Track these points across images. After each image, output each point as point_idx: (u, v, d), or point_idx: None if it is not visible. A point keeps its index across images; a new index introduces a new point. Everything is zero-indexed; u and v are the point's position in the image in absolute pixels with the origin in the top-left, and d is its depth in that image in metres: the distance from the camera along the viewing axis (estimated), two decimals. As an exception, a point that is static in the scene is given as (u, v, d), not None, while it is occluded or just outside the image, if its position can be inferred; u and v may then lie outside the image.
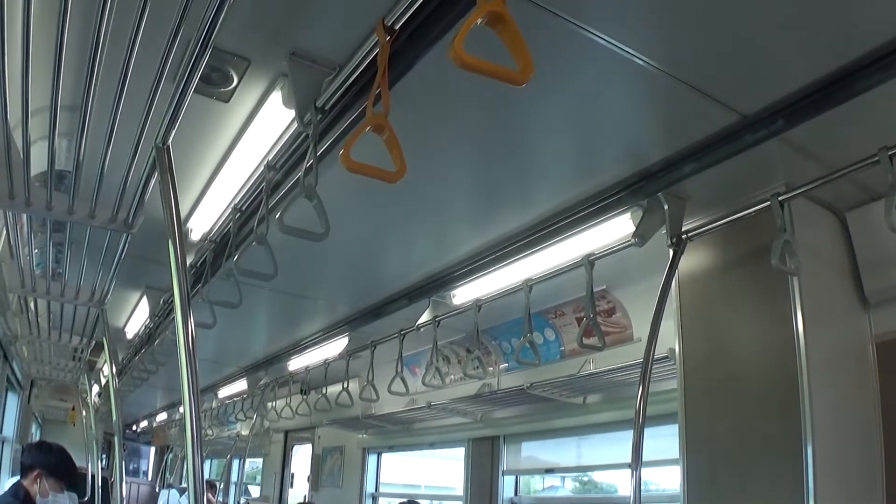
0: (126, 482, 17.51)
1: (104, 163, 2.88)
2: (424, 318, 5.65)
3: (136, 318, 7.74)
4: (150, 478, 20.80)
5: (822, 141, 3.33)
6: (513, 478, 7.35)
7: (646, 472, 5.28)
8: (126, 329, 8.34)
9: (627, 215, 3.94)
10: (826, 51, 2.73)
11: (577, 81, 3.01)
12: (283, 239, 3.29)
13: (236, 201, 4.15)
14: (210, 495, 12.69)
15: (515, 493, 7.31)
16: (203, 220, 4.64)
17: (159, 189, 2.45)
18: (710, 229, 3.78)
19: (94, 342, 6.88)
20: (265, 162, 3.62)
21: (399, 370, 5.84)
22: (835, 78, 2.81)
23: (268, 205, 3.49)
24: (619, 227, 4.04)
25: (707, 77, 2.93)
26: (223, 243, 4.48)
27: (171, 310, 5.80)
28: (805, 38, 2.68)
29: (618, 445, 5.91)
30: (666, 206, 3.81)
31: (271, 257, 3.57)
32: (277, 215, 3.09)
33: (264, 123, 3.44)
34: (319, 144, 3.03)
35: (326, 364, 7.54)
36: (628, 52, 2.76)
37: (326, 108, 2.98)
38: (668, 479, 5.79)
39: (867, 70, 2.72)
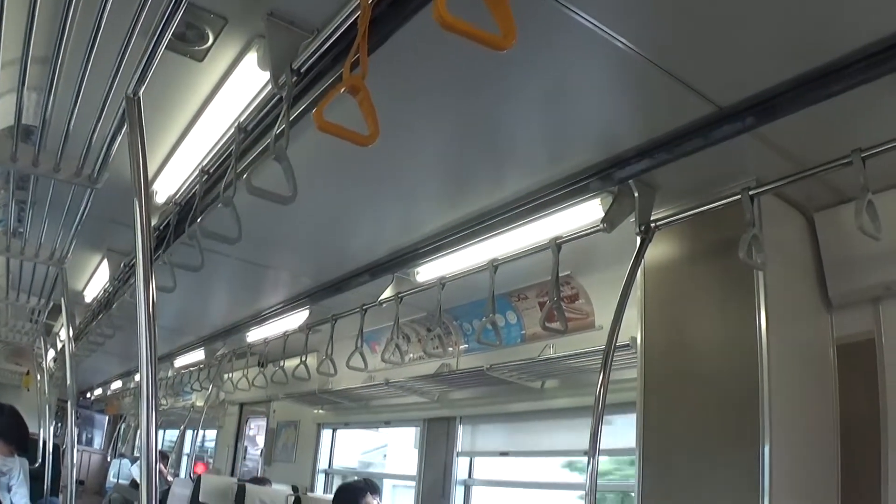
0: (78, 450, 17.43)
1: (71, 117, 2.86)
2: (387, 294, 5.62)
3: (95, 281, 7.67)
4: (102, 447, 20.65)
5: (797, 139, 3.33)
6: (467, 459, 7.36)
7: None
8: (85, 293, 8.28)
9: (597, 201, 3.93)
10: (807, 49, 2.74)
11: (556, 61, 2.98)
12: (248, 207, 3.27)
13: (204, 164, 4.10)
14: (162, 466, 12.65)
15: (469, 476, 7.32)
16: (169, 183, 4.59)
17: (127, 143, 2.41)
18: (679, 220, 3.77)
19: (51, 304, 6.82)
20: (236, 124, 3.57)
21: (359, 345, 5.81)
22: (813, 77, 2.82)
23: (236, 167, 3.45)
24: (587, 214, 4.03)
25: (686, 66, 2.92)
26: (188, 206, 4.43)
27: (132, 274, 5.75)
28: (787, 34, 2.68)
29: (574, 432, 5.91)
30: (636, 194, 3.81)
31: (236, 220, 3.53)
32: (245, 176, 3.06)
33: (238, 85, 3.40)
34: (293, 109, 2.99)
35: (286, 336, 7.51)
36: (610, 35, 2.74)
37: (302, 70, 2.94)
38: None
39: (846, 71, 2.73)
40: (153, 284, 2.21)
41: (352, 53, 2.21)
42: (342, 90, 2.18)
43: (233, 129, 3.60)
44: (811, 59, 2.77)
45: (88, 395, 19.55)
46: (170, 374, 12.23)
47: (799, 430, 3.59)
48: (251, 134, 3.51)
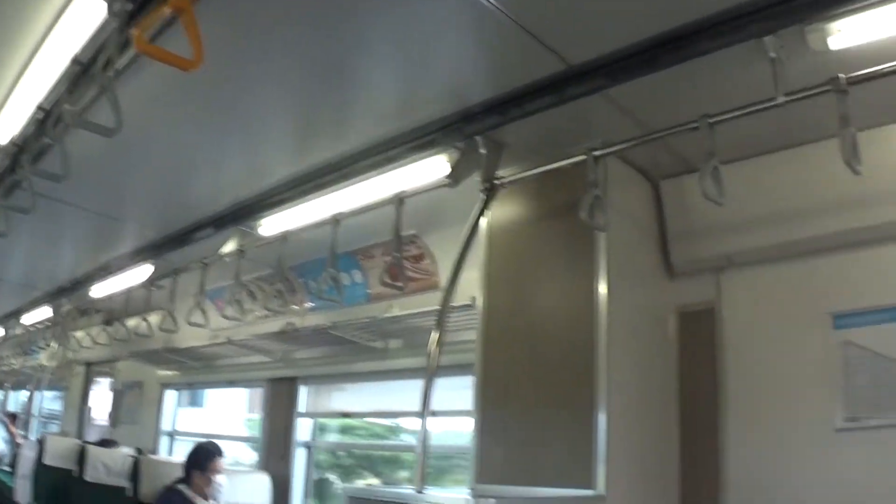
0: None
1: None
2: (229, 247, 5.49)
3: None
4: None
5: (647, 104, 3.38)
6: (310, 421, 7.32)
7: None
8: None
9: (444, 159, 3.90)
10: (660, 11, 2.76)
11: (409, 8, 2.92)
12: (91, 151, 3.15)
13: (40, 100, 3.92)
14: (12, 427, 12.36)
15: (312, 438, 7.28)
16: (10, 122, 4.38)
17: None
18: (524, 178, 3.75)
19: None
20: (71, 57, 3.41)
21: (199, 301, 5.68)
22: (665, 39, 2.83)
23: (68, 101, 3.29)
24: (434, 172, 3.99)
25: (541, 21, 2.90)
26: (25, 146, 4.26)
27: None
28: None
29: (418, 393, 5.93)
30: (483, 151, 3.78)
31: (63, 158, 3.39)
32: (74, 110, 2.92)
33: (77, 16, 3.21)
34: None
35: (129, 292, 7.31)
36: (465, -15, 2.69)
37: (139, -4, 2.81)
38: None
39: (698, 36, 2.76)
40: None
41: (179, -28, 2.11)
42: (167, 9, 2.08)
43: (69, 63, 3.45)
44: (665, 21, 2.79)
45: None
46: (18, 331, 11.86)
47: (637, 396, 3.63)
48: (89, 69, 3.35)
